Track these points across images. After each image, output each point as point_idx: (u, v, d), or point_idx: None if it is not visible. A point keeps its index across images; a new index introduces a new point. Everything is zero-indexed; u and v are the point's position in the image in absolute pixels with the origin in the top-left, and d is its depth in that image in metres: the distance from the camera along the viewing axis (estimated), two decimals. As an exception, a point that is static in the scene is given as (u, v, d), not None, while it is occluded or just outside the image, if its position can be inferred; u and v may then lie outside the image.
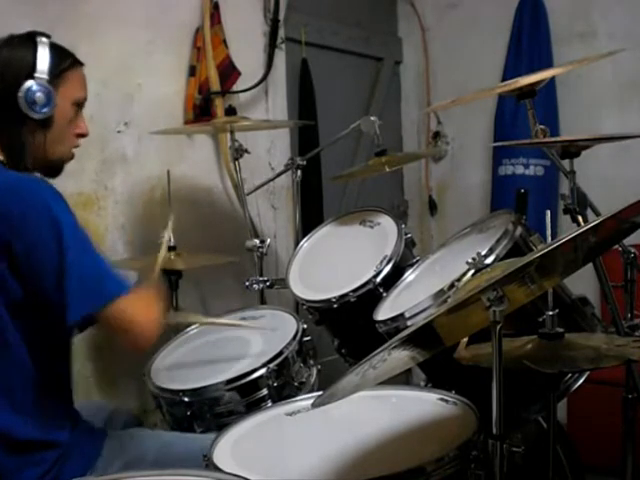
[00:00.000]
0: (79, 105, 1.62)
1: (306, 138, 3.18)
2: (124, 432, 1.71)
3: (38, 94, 1.51)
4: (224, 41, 2.77)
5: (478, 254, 1.43)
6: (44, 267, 1.43)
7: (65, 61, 1.58)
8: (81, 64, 1.63)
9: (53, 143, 1.58)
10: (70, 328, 1.54)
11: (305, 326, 1.97)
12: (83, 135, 1.65)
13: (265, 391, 1.81)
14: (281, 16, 3.05)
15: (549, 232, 1.53)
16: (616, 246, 1.86)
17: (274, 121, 3.03)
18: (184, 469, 1.15)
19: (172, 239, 2.29)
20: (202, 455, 1.42)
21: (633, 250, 1.92)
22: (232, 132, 2.51)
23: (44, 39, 1.56)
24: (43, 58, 1.53)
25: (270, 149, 3.07)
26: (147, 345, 1.55)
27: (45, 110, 1.53)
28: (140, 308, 1.52)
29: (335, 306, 2.01)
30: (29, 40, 1.55)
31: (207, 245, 2.67)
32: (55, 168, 1.62)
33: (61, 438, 1.53)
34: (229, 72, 2.79)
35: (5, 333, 1.47)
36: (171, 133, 2.58)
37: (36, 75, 1.52)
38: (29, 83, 1.51)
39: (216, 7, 2.77)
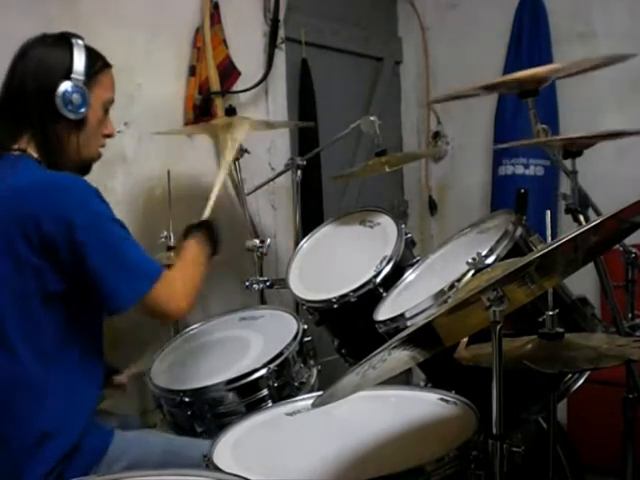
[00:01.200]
0: (108, 106, 1.67)
1: (306, 138, 3.17)
2: (131, 433, 1.71)
3: (75, 95, 1.56)
4: (224, 41, 2.77)
5: (478, 254, 1.43)
6: (88, 260, 1.49)
7: (98, 63, 1.63)
8: (110, 66, 1.67)
9: (85, 143, 1.63)
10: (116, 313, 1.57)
11: (306, 326, 1.97)
12: (110, 135, 1.70)
13: (265, 391, 1.81)
14: (281, 16, 3.05)
15: (549, 232, 1.53)
16: (617, 246, 1.86)
17: (274, 121, 3.03)
18: (184, 469, 1.15)
19: (172, 239, 2.30)
20: (202, 455, 1.42)
21: (634, 250, 1.92)
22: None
23: (80, 41, 1.60)
24: (79, 60, 1.58)
25: (270, 149, 3.07)
26: (183, 315, 1.69)
27: (81, 111, 1.57)
28: (176, 287, 1.61)
29: (335, 306, 2.01)
30: (64, 41, 1.59)
31: (207, 245, 2.66)
32: (85, 167, 1.68)
33: (77, 431, 1.54)
34: (229, 72, 2.79)
35: (38, 322, 1.50)
36: (171, 133, 2.58)
37: (73, 76, 1.56)
38: (66, 84, 1.55)
39: (216, 7, 2.77)
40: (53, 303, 1.50)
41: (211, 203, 2.01)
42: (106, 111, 1.67)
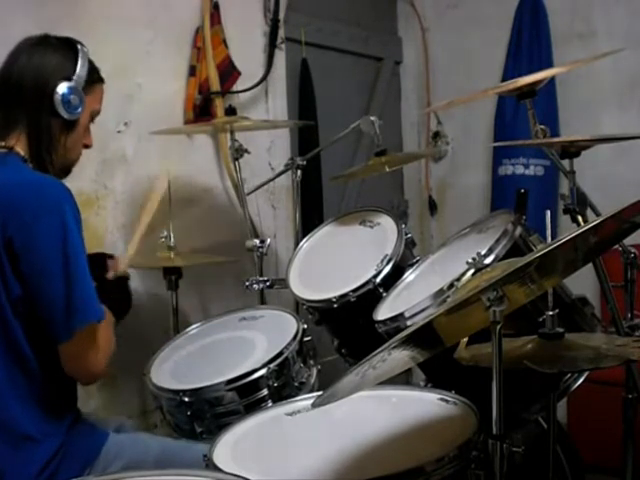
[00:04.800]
0: (95, 117, 1.71)
1: (306, 138, 3.18)
2: (128, 435, 1.71)
3: (73, 96, 1.60)
4: (224, 41, 2.78)
5: (478, 254, 1.43)
6: (47, 271, 1.46)
7: (95, 74, 1.67)
8: (103, 80, 1.71)
9: (71, 146, 1.65)
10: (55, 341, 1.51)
11: (305, 326, 1.97)
12: (88, 146, 1.73)
13: (265, 391, 1.81)
14: (281, 16, 3.05)
15: (549, 232, 1.53)
16: (616, 246, 1.86)
17: (274, 121, 3.03)
18: (184, 469, 1.15)
19: (172, 239, 2.30)
20: (202, 455, 1.42)
21: (633, 250, 1.92)
22: (232, 132, 2.51)
23: (85, 48, 1.65)
24: (83, 65, 1.62)
25: (270, 149, 3.07)
26: (99, 376, 1.59)
27: (77, 111, 1.61)
28: (108, 338, 1.58)
29: (335, 306, 2.01)
30: (69, 45, 1.64)
31: (207, 245, 2.67)
32: (67, 170, 1.69)
33: (60, 432, 1.54)
34: (229, 72, 2.79)
35: (8, 326, 1.49)
36: (171, 133, 2.58)
37: (74, 78, 1.60)
38: (67, 84, 1.59)
39: (216, 7, 2.77)
40: (20, 308, 1.48)
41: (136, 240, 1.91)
42: (91, 122, 1.70)
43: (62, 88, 1.57)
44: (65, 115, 1.59)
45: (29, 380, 1.51)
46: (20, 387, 1.51)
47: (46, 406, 1.53)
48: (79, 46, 1.64)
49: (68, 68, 1.60)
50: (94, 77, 1.66)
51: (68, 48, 1.62)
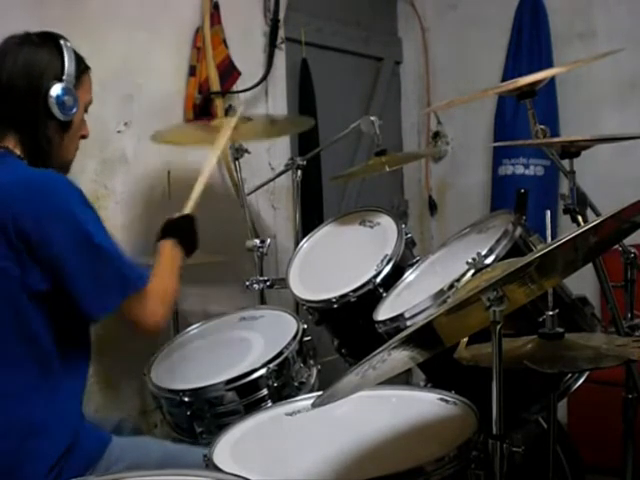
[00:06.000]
0: (88, 107, 1.69)
1: (306, 138, 3.17)
2: (130, 438, 1.71)
3: (67, 97, 1.57)
4: (224, 41, 2.77)
5: (478, 254, 1.43)
6: (67, 264, 1.47)
7: (81, 65, 1.64)
8: (89, 68, 1.68)
9: (67, 144, 1.64)
10: (94, 319, 1.57)
11: (305, 326, 1.97)
12: (85, 136, 1.71)
13: (265, 391, 1.81)
14: (281, 16, 3.05)
15: (549, 232, 1.53)
16: (616, 246, 1.86)
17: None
18: (184, 469, 1.15)
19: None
20: (202, 455, 1.42)
21: (633, 250, 1.92)
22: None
23: (68, 43, 1.62)
24: (70, 62, 1.59)
25: (270, 149, 3.07)
26: (159, 329, 1.61)
27: (72, 112, 1.59)
28: (153, 299, 1.58)
29: (335, 306, 2.01)
30: (52, 42, 1.60)
31: (207, 245, 2.66)
32: (66, 168, 1.69)
33: (68, 431, 1.54)
34: (229, 72, 2.79)
35: (28, 321, 1.49)
36: (171, 139, 2.57)
37: (64, 78, 1.58)
38: (60, 85, 1.57)
39: (216, 7, 2.77)
40: (39, 302, 1.49)
41: (195, 195, 1.94)
42: (85, 112, 1.68)
43: (55, 90, 1.55)
44: (61, 117, 1.57)
45: (45, 380, 1.51)
46: (37, 388, 1.51)
47: (57, 405, 1.53)
48: (62, 41, 1.60)
49: (57, 67, 1.57)
50: (81, 70, 1.63)
51: (52, 45, 1.59)
